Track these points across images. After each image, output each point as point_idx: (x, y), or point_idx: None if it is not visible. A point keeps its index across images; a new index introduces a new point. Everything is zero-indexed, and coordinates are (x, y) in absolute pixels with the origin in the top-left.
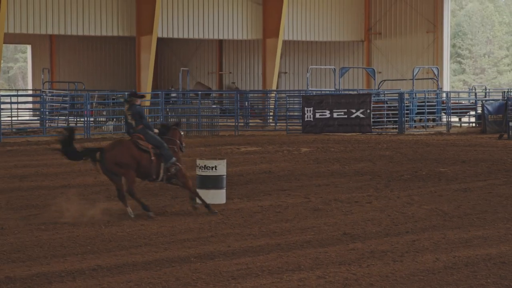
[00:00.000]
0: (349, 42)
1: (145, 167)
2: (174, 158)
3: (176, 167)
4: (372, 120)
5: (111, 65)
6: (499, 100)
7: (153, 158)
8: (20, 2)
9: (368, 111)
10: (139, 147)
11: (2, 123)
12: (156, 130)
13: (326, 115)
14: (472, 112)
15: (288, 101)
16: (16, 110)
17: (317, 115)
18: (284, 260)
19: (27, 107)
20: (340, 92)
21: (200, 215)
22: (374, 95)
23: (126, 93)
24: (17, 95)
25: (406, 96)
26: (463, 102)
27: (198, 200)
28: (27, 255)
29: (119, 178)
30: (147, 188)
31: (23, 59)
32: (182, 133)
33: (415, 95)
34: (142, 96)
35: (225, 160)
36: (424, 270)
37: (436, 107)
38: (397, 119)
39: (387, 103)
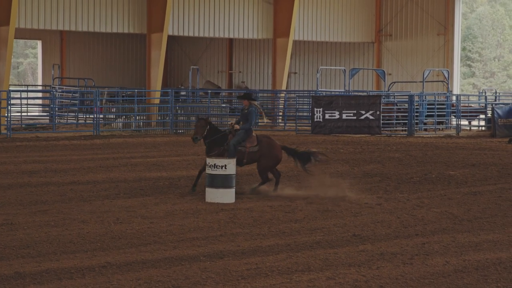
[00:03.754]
0: (359, 43)
1: None
2: None
3: None
4: (381, 122)
5: (121, 62)
6: (509, 104)
7: None
8: None
9: (378, 112)
10: None
11: (11, 119)
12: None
13: (335, 116)
14: (482, 116)
15: (297, 102)
16: (25, 106)
17: (327, 116)
18: (293, 260)
19: (36, 102)
20: (350, 93)
21: (209, 214)
22: (384, 96)
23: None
24: (27, 91)
25: (416, 98)
26: (473, 106)
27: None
28: (36, 251)
29: None
30: (156, 186)
31: (33, 54)
32: None
33: (425, 98)
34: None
35: (234, 159)
36: (434, 273)
37: (446, 110)
38: (406, 121)
39: (396, 105)
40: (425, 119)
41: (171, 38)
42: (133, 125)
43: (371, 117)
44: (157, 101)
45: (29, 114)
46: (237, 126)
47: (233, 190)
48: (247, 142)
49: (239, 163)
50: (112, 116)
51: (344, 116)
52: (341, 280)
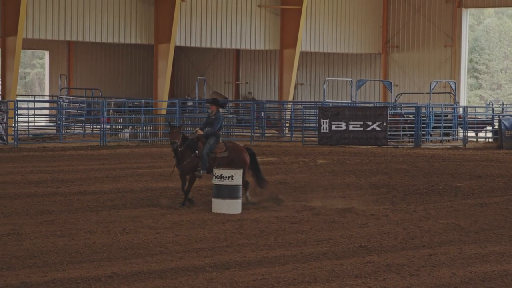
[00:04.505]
0: (366, 55)
1: None
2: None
3: None
4: (388, 133)
5: (128, 72)
6: None
7: None
8: (39, 8)
9: (385, 124)
10: None
11: (18, 129)
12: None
13: (342, 127)
14: (489, 127)
15: (304, 113)
16: (32, 116)
17: (333, 127)
18: (299, 271)
19: (43, 113)
20: (357, 104)
21: (216, 225)
22: (390, 108)
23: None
24: (34, 101)
25: (423, 109)
26: (480, 117)
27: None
28: (43, 261)
29: None
30: (162, 196)
31: (40, 65)
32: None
33: (432, 109)
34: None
35: (241, 170)
36: (441, 284)
37: (452, 122)
38: (413, 132)
39: (403, 116)
40: (432, 130)
41: (178, 49)
42: (140, 136)
43: (377, 128)
44: (164, 111)
45: (36, 124)
46: (200, 132)
47: (239, 201)
48: (217, 149)
49: (210, 170)
50: (119, 127)
51: (350, 127)
52: None
